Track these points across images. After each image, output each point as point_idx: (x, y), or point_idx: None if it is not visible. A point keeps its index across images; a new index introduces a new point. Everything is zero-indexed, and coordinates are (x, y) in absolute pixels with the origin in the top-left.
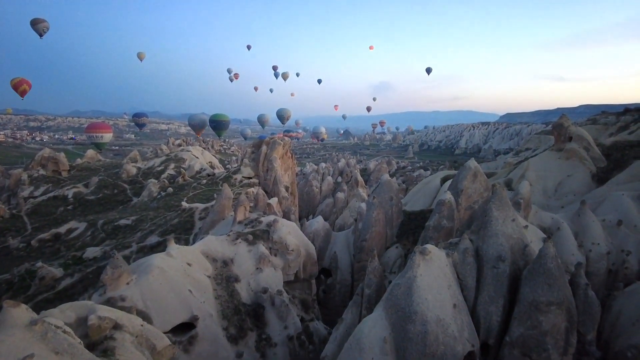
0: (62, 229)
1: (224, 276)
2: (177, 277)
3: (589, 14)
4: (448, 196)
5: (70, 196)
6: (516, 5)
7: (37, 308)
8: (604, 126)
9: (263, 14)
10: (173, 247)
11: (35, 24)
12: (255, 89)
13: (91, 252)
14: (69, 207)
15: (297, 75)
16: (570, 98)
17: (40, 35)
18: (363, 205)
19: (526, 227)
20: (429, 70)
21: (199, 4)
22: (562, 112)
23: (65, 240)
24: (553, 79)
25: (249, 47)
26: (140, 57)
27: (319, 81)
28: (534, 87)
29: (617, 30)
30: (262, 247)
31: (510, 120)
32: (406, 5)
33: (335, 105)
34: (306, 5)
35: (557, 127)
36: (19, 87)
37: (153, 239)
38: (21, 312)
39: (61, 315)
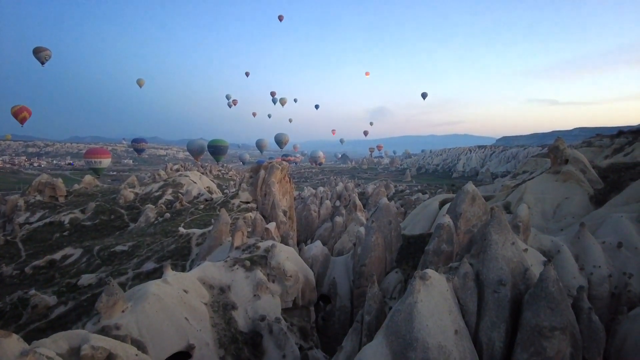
0: (57, 256)
1: (221, 303)
2: (173, 305)
3: (580, 41)
4: (447, 220)
5: (66, 222)
6: (509, 31)
7: (29, 338)
8: (599, 148)
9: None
10: (169, 273)
11: (38, 52)
12: (254, 114)
13: (86, 279)
14: (65, 233)
15: (295, 101)
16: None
17: (42, 63)
18: (362, 229)
19: (526, 250)
20: (424, 95)
21: (199, 33)
22: (557, 135)
23: (60, 267)
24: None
25: (247, 74)
26: (139, 83)
27: (317, 106)
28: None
29: (608, 57)
30: (259, 274)
31: (507, 143)
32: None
33: (333, 130)
34: (304, 33)
35: (553, 149)
36: (19, 115)
37: (149, 266)
38: (12, 343)
39: (53, 345)
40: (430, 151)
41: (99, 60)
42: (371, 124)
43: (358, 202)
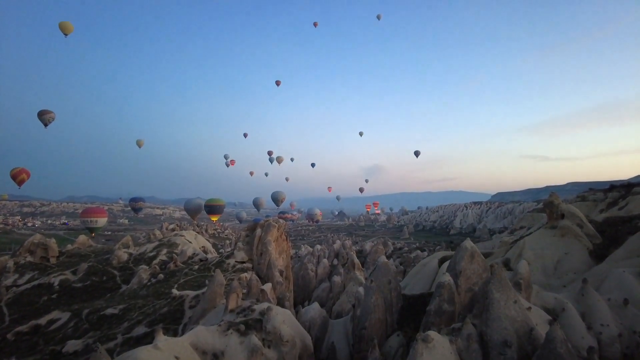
0: (43, 320)
1: None
2: None
3: (566, 100)
4: (447, 278)
5: (56, 284)
6: (502, 88)
7: None
8: (593, 203)
9: (260, 104)
10: (161, 338)
11: (42, 114)
12: (251, 173)
13: (72, 345)
14: (54, 296)
15: (292, 160)
16: (557, 176)
17: (46, 126)
18: (361, 289)
19: (529, 308)
20: (417, 154)
21: (199, 94)
22: (551, 190)
23: (45, 333)
24: (539, 159)
25: (245, 135)
26: (139, 144)
27: (313, 165)
28: (522, 166)
29: (594, 114)
30: (254, 339)
31: (502, 199)
32: (395, 90)
33: (329, 187)
34: (300, 95)
35: (548, 205)
36: (17, 177)
37: (140, 330)
38: None
39: None
40: (427, 208)
41: (98, 120)
42: (367, 181)
43: (356, 261)
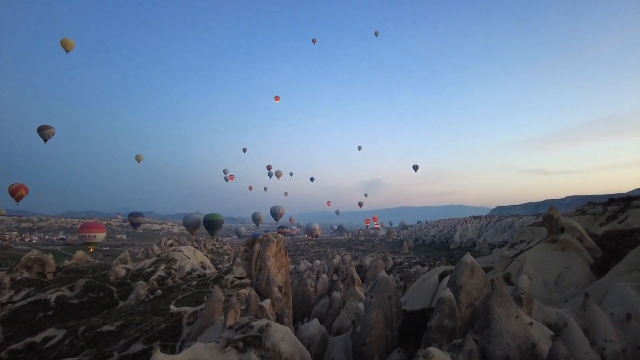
0: (38, 338)
1: None
2: None
3: (565, 114)
4: (448, 293)
5: (52, 300)
6: (498, 104)
7: None
8: (593, 216)
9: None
10: (158, 356)
11: (42, 130)
12: (250, 188)
13: None
14: (50, 313)
15: (291, 174)
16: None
17: (45, 141)
18: (361, 305)
19: (531, 324)
20: (415, 168)
21: (197, 109)
22: (550, 204)
23: (40, 351)
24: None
25: (244, 150)
26: (138, 159)
27: (312, 179)
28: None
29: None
30: (253, 356)
31: (501, 213)
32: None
33: (328, 202)
34: (299, 110)
35: (548, 218)
36: (16, 193)
37: (137, 347)
38: None
39: None
40: (426, 222)
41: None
42: (366, 195)
43: (356, 276)
